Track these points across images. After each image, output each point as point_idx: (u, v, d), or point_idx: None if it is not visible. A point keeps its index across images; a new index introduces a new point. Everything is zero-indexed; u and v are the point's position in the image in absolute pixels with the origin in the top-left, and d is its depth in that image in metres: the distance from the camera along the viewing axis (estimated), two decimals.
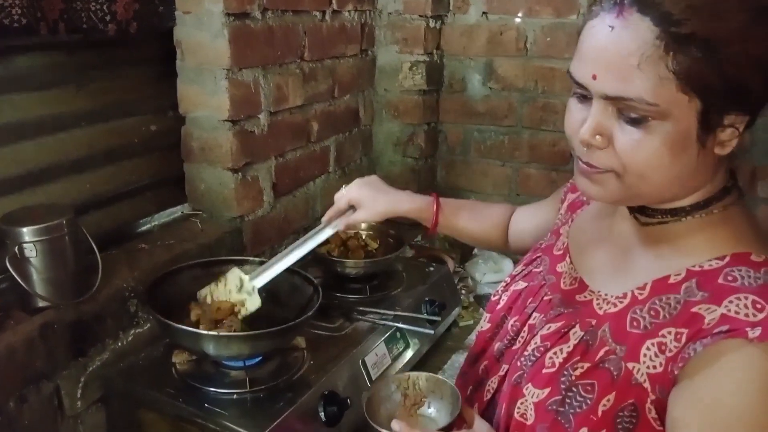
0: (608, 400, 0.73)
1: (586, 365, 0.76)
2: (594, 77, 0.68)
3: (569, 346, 0.79)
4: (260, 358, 1.19)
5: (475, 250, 2.05)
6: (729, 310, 0.66)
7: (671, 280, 0.74)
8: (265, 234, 1.59)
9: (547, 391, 0.78)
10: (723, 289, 0.69)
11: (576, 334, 0.79)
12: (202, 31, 1.36)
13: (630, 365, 0.72)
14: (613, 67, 0.67)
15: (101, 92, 1.31)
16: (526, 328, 0.88)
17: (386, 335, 1.37)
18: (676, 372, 0.68)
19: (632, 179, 0.71)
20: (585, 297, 0.83)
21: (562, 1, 1.89)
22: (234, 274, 1.19)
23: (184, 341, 1.12)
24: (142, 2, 1.26)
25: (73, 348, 1.12)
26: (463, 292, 1.82)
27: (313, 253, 1.24)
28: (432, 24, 1.99)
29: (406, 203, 1.19)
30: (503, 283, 1.00)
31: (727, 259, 0.71)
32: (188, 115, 1.45)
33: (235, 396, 1.11)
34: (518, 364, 0.85)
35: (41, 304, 1.08)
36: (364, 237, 1.65)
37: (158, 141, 1.47)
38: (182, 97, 1.44)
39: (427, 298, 1.53)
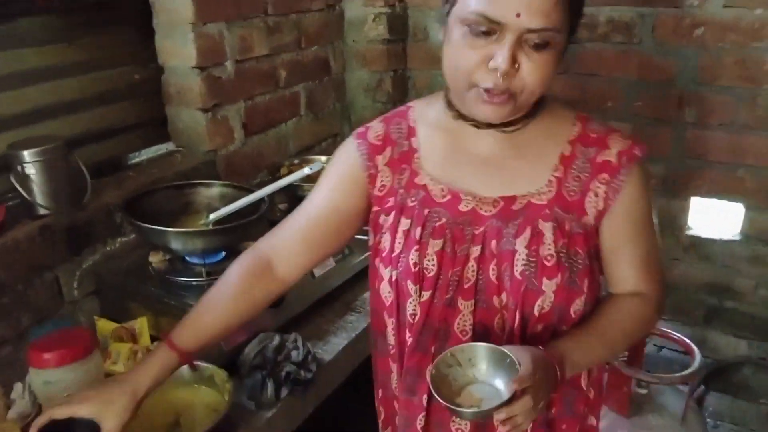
0: (586, 248, 0.97)
1: (566, 239, 0.95)
2: (518, 15, 0.81)
3: (549, 236, 0.94)
4: (221, 256, 1.48)
5: None
6: (618, 147, 0.97)
7: (567, 153, 0.99)
8: (238, 166, 1.87)
9: (560, 275, 0.93)
10: (599, 139, 0.98)
11: (545, 226, 0.95)
12: None
13: (584, 220, 0.97)
14: (538, 4, 0.81)
15: (90, 47, 1.61)
16: (471, 264, 0.95)
17: None
18: (611, 201, 0.96)
19: (526, 96, 0.88)
20: (521, 203, 0.97)
21: None
22: None
23: (153, 239, 1.41)
24: None
25: (69, 248, 1.42)
26: None
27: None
28: None
29: (145, 378, 1.00)
30: (414, 249, 0.97)
31: (577, 123, 1.00)
32: (165, 65, 1.73)
33: (194, 283, 1.40)
34: (519, 277, 0.93)
35: (41, 212, 1.38)
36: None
37: (142, 88, 1.76)
38: (159, 50, 1.72)
39: None
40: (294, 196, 1.81)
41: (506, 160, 0.99)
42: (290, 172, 1.90)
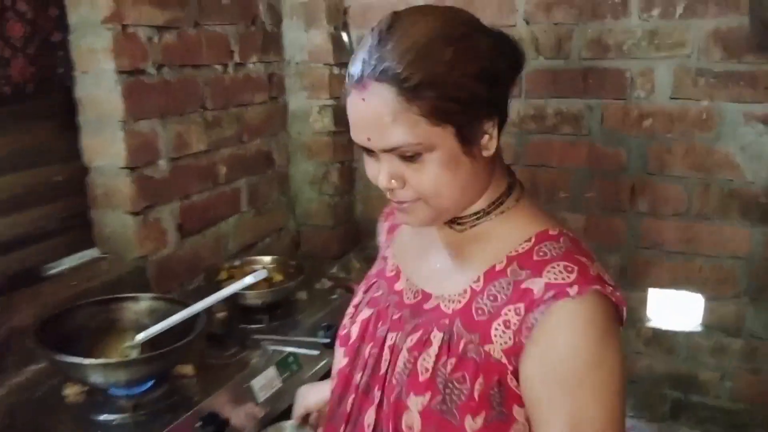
0: (480, 384, 0.82)
1: (454, 360, 0.84)
2: (368, 139, 0.82)
3: (435, 349, 0.86)
4: (149, 385, 1.29)
5: None
6: (549, 279, 0.81)
7: (497, 268, 0.86)
8: (172, 272, 1.70)
9: (428, 395, 0.85)
10: (539, 263, 0.83)
11: (436, 336, 0.87)
12: (99, 87, 1.50)
13: (486, 348, 0.83)
14: (376, 128, 0.80)
15: (5, 145, 1.44)
16: (387, 351, 0.92)
17: (278, 359, 1.47)
18: (524, 340, 0.80)
19: (434, 201, 0.84)
20: (431, 304, 0.92)
21: None
22: None
23: (67, 371, 1.22)
24: (39, 65, 1.40)
25: None
26: None
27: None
28: (336, 71, 2.14)
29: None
30: (348, 315, 1.03)
31: (533, 239, 0.87)
32: (91, 165, 1.58)
33: (116, 420, 1.21)
34: (393, 382, 0.90)
35: None
36: (268, 269, 1.75)
37: (64, 189, 1.59)
38: (85, 148, 1.57)
39: (324, 324, 1.63)
40: (235, 304, 1.65)
41: (443, 257, 0.94)
42: (230, 276, 1.75)
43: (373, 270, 1.07)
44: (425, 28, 0.81)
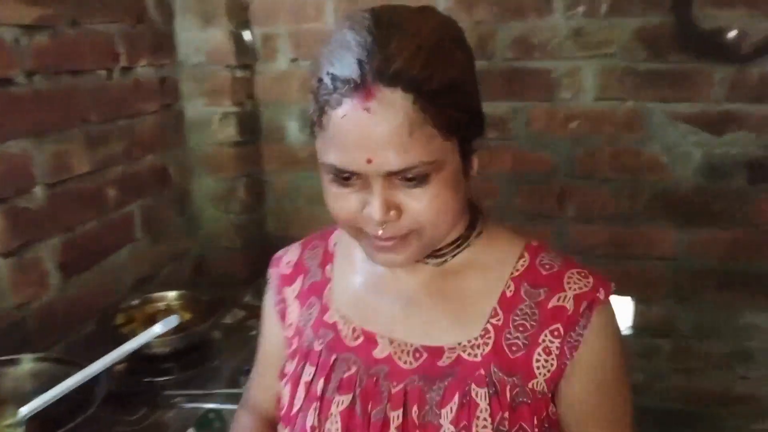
0: (536, 422, 0.75)
1: (507, 413, 0.74)
2: (369, 161, 0.67)
3: (486, 407, 0.74)
4: None
5: None
6: (575, 290, 0.76)
7: (509, 294, 0.78)
8: (58, 321, 1.42)
9: None
10: (552, 278, 0.78)
11: (479, 393, 0.75)
12: None
13: (531, 385, 0.75)
14: (388, 145, 0.66)
15: None
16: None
17: (197, 418, 1.25)
18: (567, 362, 0.75)
19: (430, 231, 0.73)
20: (449, 358, 0.77)
21: None
22: None
23: None
24: None
25: None
26: None
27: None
28: (239, 74, 1.91)
29: None
30: (304, 403, 0.82)
31: (526, 254, 0.80)
32: None
33: None
34: None
35: None
36: (174, 308, 1.52)
37: None
38: None
39: (247, 367, 1.42)
40: (137, 354, 1.39)
41: (434, 300, 0.80)
42: (129, 320, 1.50)
43: (312, 344, 0.84)
44: (428, 26, 0.68)
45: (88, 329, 1.50)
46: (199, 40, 1.87)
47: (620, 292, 1.86)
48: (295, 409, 0.82)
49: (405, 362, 0.78)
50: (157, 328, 1.19)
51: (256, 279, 2.04)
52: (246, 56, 1.94)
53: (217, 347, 1.50)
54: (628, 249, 1.93)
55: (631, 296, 1.97)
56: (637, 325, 1.99)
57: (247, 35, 1.94)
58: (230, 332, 1.58)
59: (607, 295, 0.77)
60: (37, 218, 1.35)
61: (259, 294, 1.93)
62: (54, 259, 1.41)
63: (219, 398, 1.31)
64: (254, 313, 1.80)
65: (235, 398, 1.32)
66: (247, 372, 1.38)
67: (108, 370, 1.15)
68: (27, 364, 1.18)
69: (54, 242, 1.41)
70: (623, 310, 2.00)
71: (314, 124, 0.70)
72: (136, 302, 1.56)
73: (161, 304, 1.53)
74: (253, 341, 1.51)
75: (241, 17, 1.91)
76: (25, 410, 1.05)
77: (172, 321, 1.20)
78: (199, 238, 2.02)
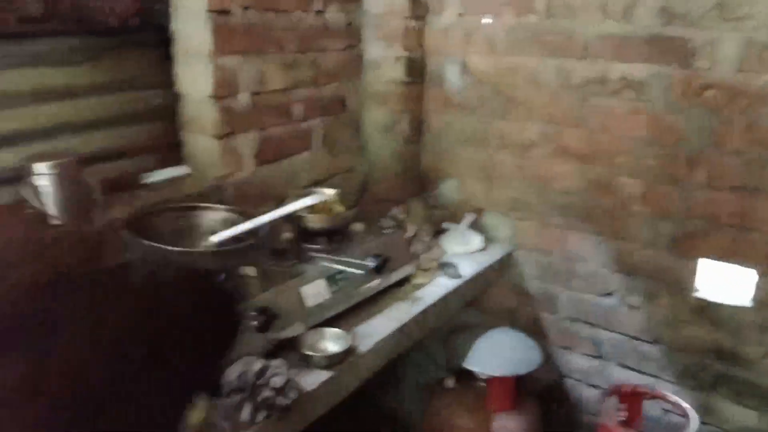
0: None
1: None
2: None
3: None
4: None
5: (445, 224, 2.32)
6: None
7: None
8: (247, 194, 1.92)
9: None
10: None
11: None
12: (191, 24, 1.71)
13: None
14: None
15: (111, 70, 1.69)
16: None
17: (328, 274, 1.67)
18: None
19: None
20: None
21: (522, 4, 2.14)
22: None
23: (149, 256, 1.45)
24: (141, 2, 1.63)
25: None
26: (424, 256, 2.09)
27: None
28: (411, 24, 2.27)
29: None
30: None
31: None
32: (183, 92, 1.81)
33: None
34: None
35: (52, 222, 1.45)
36: (331, 202, 1.94)
37: (160, 112, 1.83)
38: (177, 77, 1.80)
39: (374, 252, 1.81)
40: (299, 227, 1.85)
41: None
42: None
43: None
44: None
45: (266, 207, 1.98)
46: None
47: (744, 263, 1.93)
48: None
49: None
50: (307, 199, 1.61)
51: (406, 199, 2.43)
52: (419, 9, 2.29)
53: (357, 235, 1.90)
54: (754, 221, 1.96)
55: (755, 269, 1.99)
56: (758, 299, 2.02)
57: None
58: (370, 229, 1.97)
59: None
60: (241, 116, 1.86)
61: (407, 211, 2.31)
62: (250, 149, 1.91)
63: (348, 265, 1.71)
64: (399, 224, 2.20)
65: (361, 268, 1.73)
66: (375, 255, 1.78)
67: (275, 225, 1.60)
68: (220, 212, 1.66)
69: (252, 136, 1.91)
70: (745, 281, 2.04)
71: None
72: (304, 192, 2.02)
73: (317, 194, 1.96)
74: (386, 237, 1.91)
75: None
76: (214, 238, 1.54)
77: (318, 197, 1.63)
78: (366, 158, 2.45)
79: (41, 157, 1.45)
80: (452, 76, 2.35)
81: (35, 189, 1.42)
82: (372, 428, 2.62)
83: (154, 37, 1.77)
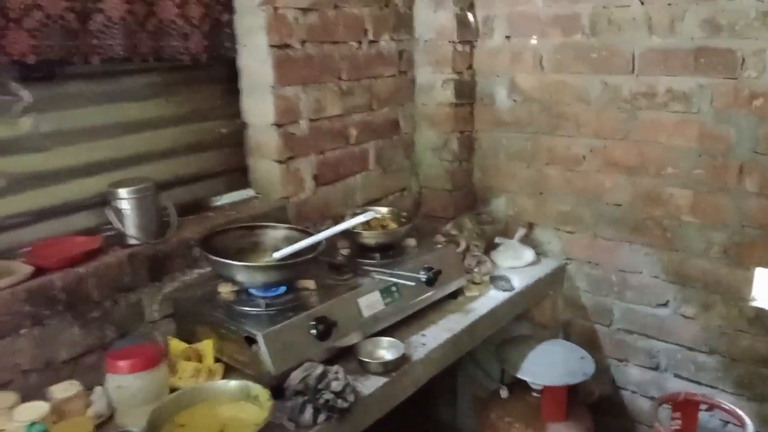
0: None
1: None
2: None
3: None
4: (281, 290, 1.65)
5: (497, 239, 2.39)
6: None
7: None
8: (307, 213, 2.06)
9: None
10: None
11: None
12: (255, 58, 1.87)
13: None
14: None
15: (184, 103, 1.87)
16: None
17: (382, 287, 1.77)
18: None
19: None
20: None
21: (568, 24, 2.22)
22: None
23: (222, 271, 1.60)
24: (211, 40, 1.80)
25: (151, 275, 1.64)
26: (476, 270, 2.17)
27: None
28: (460, 48, 2.38)
29: None
30: None
31: None
32: (248, 121, 1.97)
33: (253, 312, 1.57)
34: None
35: (131, 242, 1.61)
36: (384, 218, 2.06)
37: (228, 140, 2.00)
38: (244, 108, 1.96)
39: (426, 266, 1.90)
40: (354, 242, 1.97)
41: None
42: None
43: None
44: None
45: (325, 225, 2.11)
46: (431, 20, 2.38)
47: None
48: None
49: None
50: (361, 217, 1.73)
51: (457, 215, 2.52)
52: (467, 33, 2.39)
53: (409, 250, 2.00)
54: None
55: None
56: None
57: (470, 16, 2.39)
58: (422, 244, 2.07)
59: None
60: (301, 141, 2.00)
61: (459, 227, 2.40)
62: (310, 171, 2.05)
63: (401, 278, 1.81)
64: (450, 240, 2.29)
65: (413, 280, 1.82)
66: (427, 268, 1.88)
67: (331, 240, 1.72)
68: (282, 230, 1.80)
69: (311, 160, 2.05)
70: None
71: None
72: (358, 210, 2.14)
73: (378, 215, 2.07)
74: (437, 252, 2.00)
75: (465, 1, 2.37)
76: (277, 254, 1.67)
77: (370, 215, 1.74)
78: (418, 178, 2.55)
79: (123, 183, 1.62)
80: (501, 95, 2.43)
81: (118, 212, 1.59)
82: None
83: (223, 72, 1.94)
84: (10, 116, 1.53)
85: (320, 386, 1.44)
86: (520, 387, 2.24)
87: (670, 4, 2.03)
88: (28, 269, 1.45)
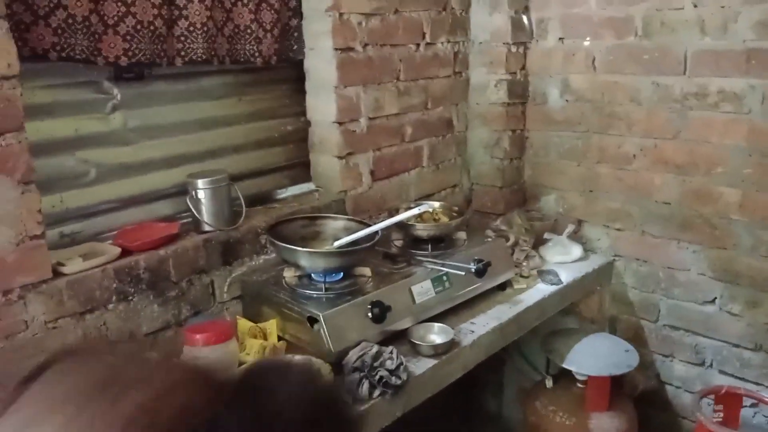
0: None
1: None
2: None
3: None
4: (340, 276, 1.78)
5: (547, 235, 2.47)
6: None
7: None
8: (364, 206, 2.19)
9: None
10: None
11: None
12: (320, 60, 2.01)
13: None
14: None
15: (255, 102, 2.02)
16: None
17: (434, 276, 1.88)
18: None
19: None
20: None
21: (621, 26, 2.27)
22: None
23: (287, 256, 1.74)
24: (281, 43, 1.95)
25: (223, 259, 1.80)
26: (525, 264, 2.26)
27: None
28: (513, 49, 2.46)
29: None
30: None
31: None
32: (312, 119, 2.11)
33: (315, 295, 1.71)
34: None
35: (206, 228, 1.78)
36: (437, 212, 2.17)
37: (293, 137, 2.15)
38: (308, 107, 2.11)
39: (475, 257, 2.01)
40: (408, 234, 2.09)
41: None
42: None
43: None
44: None
45: (381, 217, 2.24)
46: (487, 22, 2.47)
47: None
48: None
49: None
50: (415, 210, 1.84)
51: (508, 211, 2.61)
52: (521, 35, 2.47)
53: (460, 242, 2.11)
54: None
55: None
56: None
57: (525, 19, 2.47)
58: (473, 237, 2.17)
59: None
60: (359, 138, 2.13)
61: (508, 223, 2.49)
62: (367, 167, 2.18)
63: (452, 267, 1.92)
64: (500, 234, 2.38)
65: (463, 270, 1.93)
66: (476, 260, 1.98)
67: (385, 231, 1.85)
68: (342, 221, 1.93)
69: (368, 156, 2.18)
70: None
71: None
72: (412, 204, 2.26)
73: (430, 208, 2.19)
74: (487, 244, 2.10)
75: (520, 4, 2.45)
76: (337, 243, 1.81)
77: (424, 207, 1.86)
78: (470, 175, 2.65)
79: (200, 175, 1.79)
80: (554, 95, 2.51)
81: (196, 201, 1.76)
82: (478, 428, 2.80)
83: (291, 73, 2.09)
84: (103, 113, 1.71)
85: (376, 364, 1.57)
86: (564, 378, 2.32)
87: (723, 7, 2.06)
88: (116, 250, 1.62)
